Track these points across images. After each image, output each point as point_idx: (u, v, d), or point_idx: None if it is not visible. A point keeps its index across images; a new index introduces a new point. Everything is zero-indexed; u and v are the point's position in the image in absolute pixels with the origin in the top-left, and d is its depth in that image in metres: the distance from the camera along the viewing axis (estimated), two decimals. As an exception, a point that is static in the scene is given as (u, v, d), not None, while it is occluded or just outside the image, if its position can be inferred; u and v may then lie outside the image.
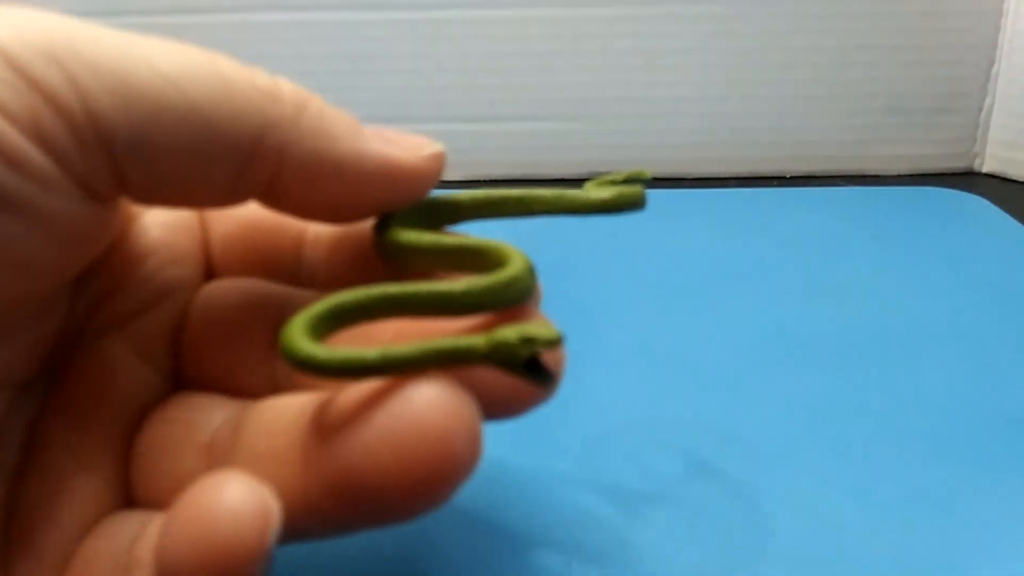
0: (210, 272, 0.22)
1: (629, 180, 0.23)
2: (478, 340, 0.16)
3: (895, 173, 0.44)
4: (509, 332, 0.16)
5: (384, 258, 0.20)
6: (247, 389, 0.20)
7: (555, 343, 0.16)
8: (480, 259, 0.19)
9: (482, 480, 0.17)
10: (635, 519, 0.24)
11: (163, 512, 0.17)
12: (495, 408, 0.17)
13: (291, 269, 0.22)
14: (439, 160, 0.20)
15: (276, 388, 0.20)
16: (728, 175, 0.43)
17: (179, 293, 0.21)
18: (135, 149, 0.16)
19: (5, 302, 0.17)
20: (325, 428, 0.16)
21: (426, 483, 0.15)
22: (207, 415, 0.19)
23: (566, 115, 0.42)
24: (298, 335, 0.17)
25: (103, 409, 0.19)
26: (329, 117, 0.18)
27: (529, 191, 0.22)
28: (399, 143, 0.19)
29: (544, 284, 0.20)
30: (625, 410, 0.28)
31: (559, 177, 0.42)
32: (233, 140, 0.17)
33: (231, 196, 0.18)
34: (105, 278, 0.20)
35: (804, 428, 0.26)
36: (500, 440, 0.18)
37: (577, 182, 0.44)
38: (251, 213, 0.22)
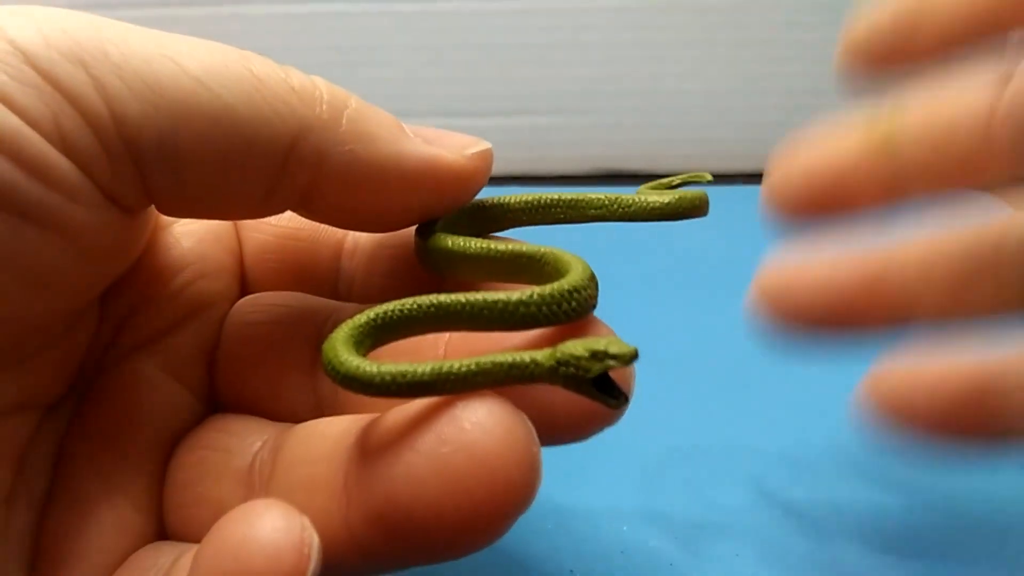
0: (244, 285, 0.21)
1: (687, 183, 0.22)
2: (542, 355, 0.15)
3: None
4: (578, 347, 0.14)
5: (428, 267, 0.19)
6: (287, 411, 0.19)
7: (630, 359, 0.14)
8: (537, 267, 0.17)
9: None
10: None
11: (196, 545, 0.16)
12: (557, 432, 0.16)
13: (329, 281, 0.21)
14: (486, 159, 0.19)
15: (319, 409, 0.19)
16: (735, 172, 0.43)
17: (213, 308, 0.20)
18: (163, 155, 0.15)
19: (30, 320, 0.16)
20: (368, 453, 0.15)
21: (478, 515, 0.14)
22: (245, 440, 0.18)
23: (568, 109, 0.41)
24: (342, 349, 0.15)
25: (135, 432, 0.18)
26: (368, 117, 0.17)
27: (582, 194, 0.21)
28: (443, 142, 0.18)
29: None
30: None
31: (560, 173, 0.42)
32: (268, 145, 0.16)
33: (265, 206, 0.17)
34: (134, 292, 0.19)
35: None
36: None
37: (579, 178, 0.44)
38: (287, 222, 0.21)
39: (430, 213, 0.19)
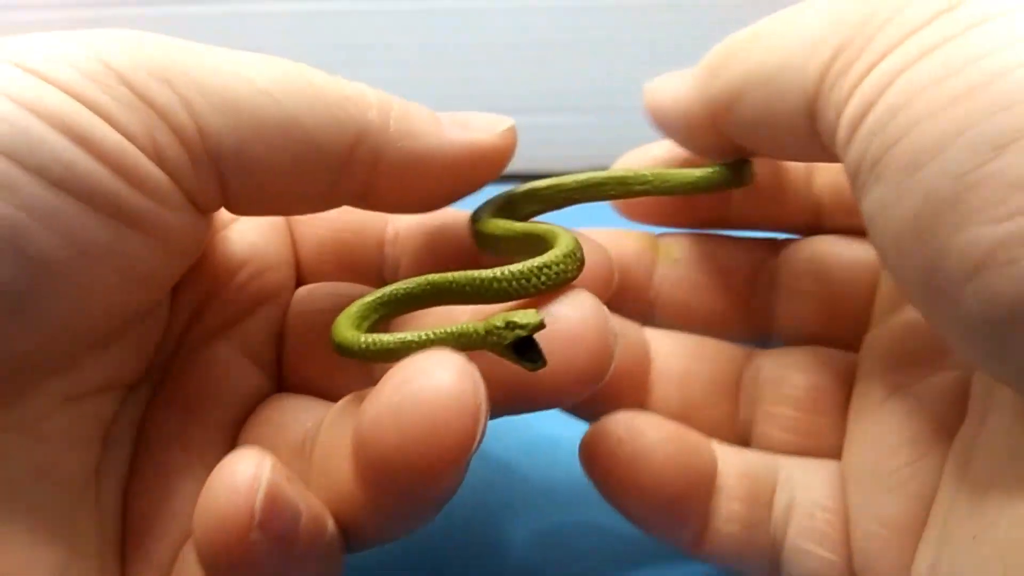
0: (300, 275, 0.23)
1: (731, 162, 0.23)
2: (478, 325, 0.17)
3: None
4: (498, 318, 0.17)
5: (481, 248, 0.22)
6: (344, 390, 0.20)
7: (534, 329, 0.16)
8: (546, 243, 0.19)
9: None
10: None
11: None
12: (539, 395, 0.18)
13: (375, 267, 0.23)
14: (513, 133, 0.21)
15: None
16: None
17: (278, 297, 0.22)
18: (241, 162, 0.17)
19: (119, 309, 0.18)
20: (358, 418, 0.17)
21: (431, 458, 0.15)
22: (299, 417, 0.20)
23: (569, 108, 0.41)
24: (343, 325, 0.18)
25: (215, 407, 0.20)
26: (411, 115, 0.19)
27: (631, 171, 0.22)
28: (474, 125, 0.20)
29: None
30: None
31: (560, 172, 0.41)
32: (331, 148, 0.18)
33: (325, 202, 0.19)
34: (206, 284, 0.21)
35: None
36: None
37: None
38: (337, 215, 0.23)
39: (469, 190, 0.21)
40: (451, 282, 0.19)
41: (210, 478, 0.16)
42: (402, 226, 0.23)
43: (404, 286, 0.19)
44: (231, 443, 0.21)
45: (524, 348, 0.17)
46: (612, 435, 0.20)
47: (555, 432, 0.27)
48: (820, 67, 0.17)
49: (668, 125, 0.22)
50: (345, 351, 0.18)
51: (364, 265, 0.23)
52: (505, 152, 0.20)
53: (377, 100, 0.19)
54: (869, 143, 0.16)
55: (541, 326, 0.16)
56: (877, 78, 0.16)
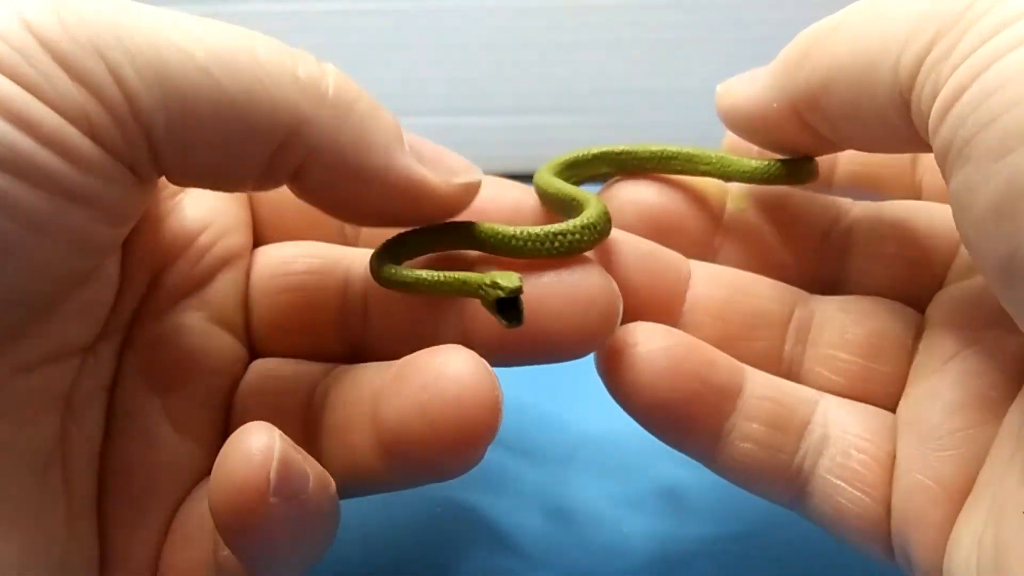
0: (259, 237, 0.23)
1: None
2: (476, 278, 0.19)
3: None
4: (487, 277, 0.18)
5: (540, 201, 0.23)
6: (321, 352, 0.22)
7: (511, 292, 0.18)
8: (580, 208, 0.21)
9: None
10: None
11: None
12: (552, 347, 0.20)
13: (335, 225, 0.23)
14: (471, 191, 0.20)
15: (351, 347, 0.22)
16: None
17: (239, 260, 0.22)
18: (172, 139, 0.17)
19: (67, 276, 0.18)
20: (380, 400, 0.18)
21: (452, 445, 0.17)
22: (300, 382, 0.21)
23: (569, 108, 0.41)
24: (375, 258, 0.20)
25: (197, 373, 0.21)
26: (372, 124, 0.18)
27: (699, 151, 0.23)
28: (437, 164, 0.20)
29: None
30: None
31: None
32: (265, 134, 0.17)
33: (262, 182, 0.19)
34: (162, 249, 0.21)
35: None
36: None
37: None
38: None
39: (405, 224, 0.21)
40: (473, 229, 0.20)
41: (224, 450, 0.16)
42: None
43: (432, 229, 0.21)
44: (219, 406, 0.21)
45: (505, 307, 0.18)
46: (623, 339, 0.20)
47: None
48: (917, 55, 0.17)
49: (746, 125, 0.22)
50: (376, 278, 0.20)
51: (325, 226, 0.23)
52: (455, 205, 0.20)
53: (337, 93, 0.18)
54: (959, 125, 0.16)
55: (519, 291, 0.18)
56: (973, 63, 0.16)
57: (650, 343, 0.20)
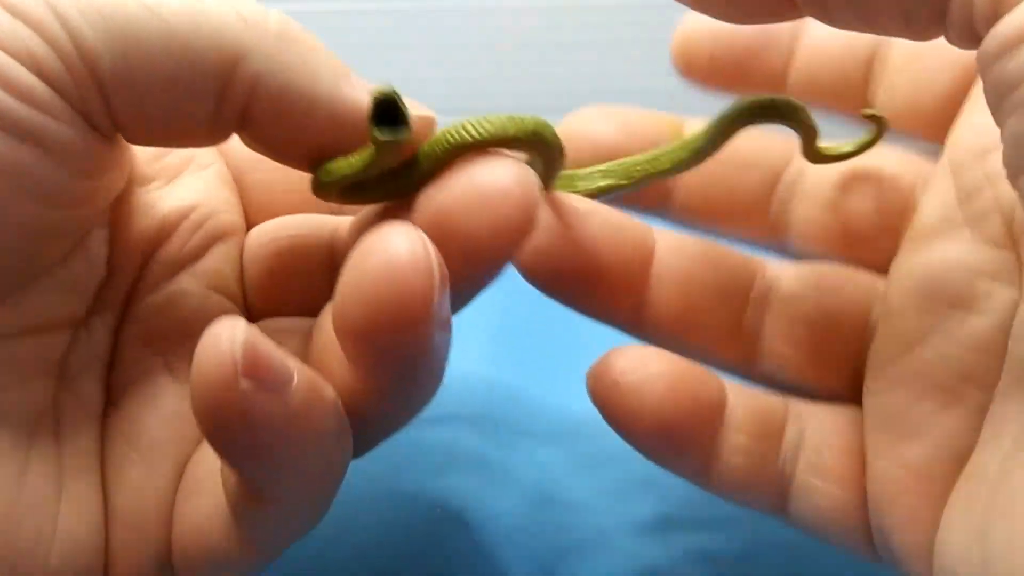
0: (249, 219, 0.23)
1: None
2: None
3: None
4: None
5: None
6: (317, 307, 0.21)
7: (388, 94, 0.17)
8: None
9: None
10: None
11: None
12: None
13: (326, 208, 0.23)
14: (426, 124, 0.19)
15: None
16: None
17: (232, 236, 0.22)
18: (120, 77, 0.17)
19: (33, 232, 0.18)
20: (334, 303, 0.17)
21: (391, 309, 0.16)
22: (287, 336, 0.21)
23: (568, 108, 0.41)
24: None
25: (196, 331, 0.20)
26: (317, 56, 0.19)
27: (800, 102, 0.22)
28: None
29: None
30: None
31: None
32: (210, 66, 0.17)
33: (215, 127, 0.18)
34: (154, 226, 0.21)
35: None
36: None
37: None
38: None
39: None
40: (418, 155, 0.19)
41: (196, 347, 0.16)
42: None
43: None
44: None
45: (384, 115, 0.17)
46: (616, 366, 0.20)
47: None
48: None
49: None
50: (314, 190, 0.19)
51: (313, 208, 0.23)
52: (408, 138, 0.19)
53: (280, 27, 0.18)
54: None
55: (389, 93, 0.17)
56: None
57: (646, 369, 0.20)
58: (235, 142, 0.21)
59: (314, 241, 0.22)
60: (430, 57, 0.40)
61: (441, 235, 0.17)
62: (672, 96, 0.41)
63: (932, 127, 0.22)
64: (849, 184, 0.23)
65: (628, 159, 0.22)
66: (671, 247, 0.22)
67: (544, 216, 0.21)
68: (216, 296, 0.22)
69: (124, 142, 0.20)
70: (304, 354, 0.20)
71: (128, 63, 0.17)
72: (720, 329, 0.22)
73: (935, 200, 0.21)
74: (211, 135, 0.19)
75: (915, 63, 0.23)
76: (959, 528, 0.18)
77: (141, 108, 0.18)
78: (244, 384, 0.15)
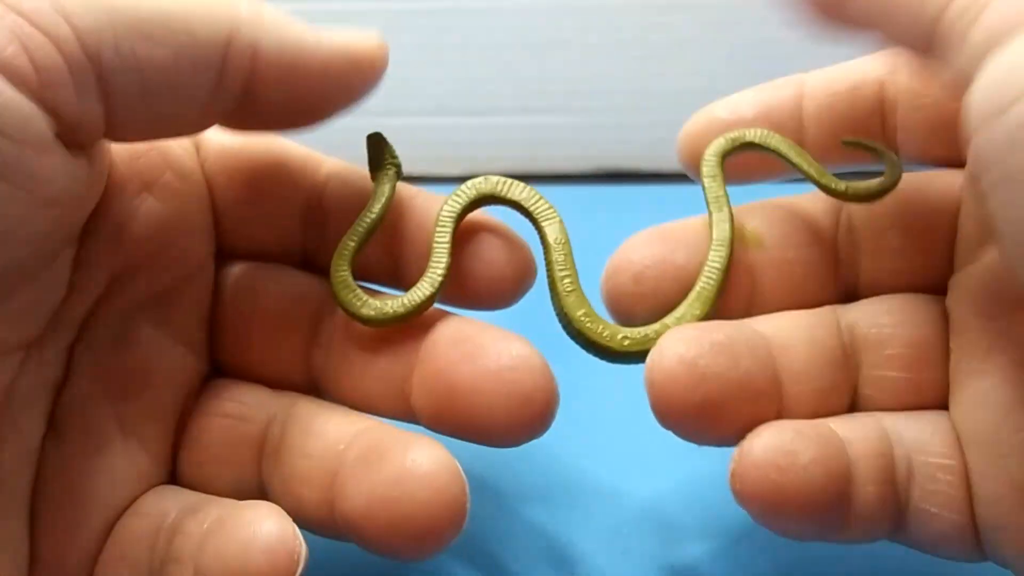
0: (221, 239, 0.23)
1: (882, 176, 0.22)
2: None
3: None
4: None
5: None
6: (285, 379, 0.22)
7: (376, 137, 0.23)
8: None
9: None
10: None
11: (203, 496, 0.20)
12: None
13: (299, 231, 0.23)
14: (385, 48, 0.21)
15: (311, 378, 0.22)
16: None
17: (201, 275, 0.22)
18: (122, 60, 0.17)
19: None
20: (347, 468, 0.20)
21: (409, 537, 0.19)
22: (258, 411, 0.21)
23: (568, 108, 0.41)
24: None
25: (153, 388, 0.21)
26: (284, 17, 0.20)
27: (805, 156, 0.23)
28: (346, 35, 0.21)
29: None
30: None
31: (561, 172, 0.41)
32: (209, 40, 0.18)
33: (213, 106, 0.19)
34: (123, 253, 0.21)
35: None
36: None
37: (579, 177, 0.43)
38: (256, 169, 0.23)
39: (348, 99, 0.21)
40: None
41: (242, 536, 0.18)
42: (331, 190, 0.23)
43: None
44: (172, 421, 0.21)
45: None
46: (769, 464, 0.19)
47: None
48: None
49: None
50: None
51: (287, 226, 0.23)
52: (381, 62, 0.21)
53: (250, 1, 0.19)
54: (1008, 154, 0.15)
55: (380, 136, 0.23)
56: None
57: (799, 459, 0.19)
58: (210, 159, 0.22)
59: (292, 313, 0.22)
60: (430, 57, 0.40)
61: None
62: (672, 96, 0.41)
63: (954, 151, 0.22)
64: (893, 216, 0.22)
65: (699, 285, 0.22)
66: (782, 338, 0.22)
67: None
68: (178, 349, 0.21)
69: (100, 155, 0.19)
70: (263, 438, 0.21)
71: (130, 45, 0.17)
72: (834, 392, 0.22)
73: (968, 208, 0.21)
74: (210, 114, 0.19)
75: (921, 98, 0.22)
76: None
77: (143, 91, 0.18)
78: None
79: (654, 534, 0.25)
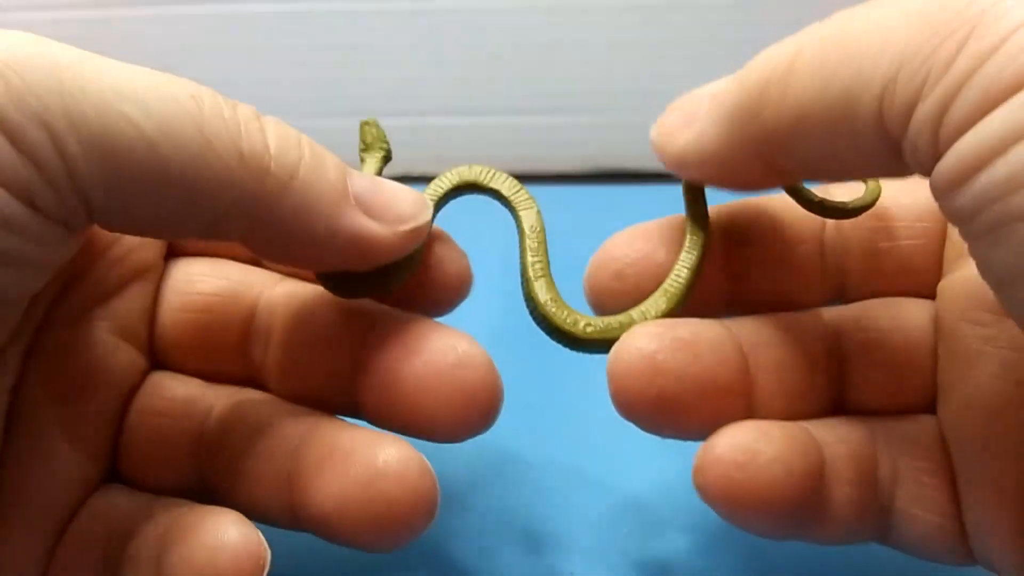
0: (175, 246, 0.23)
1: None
2: None
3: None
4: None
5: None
6: (223, 374, 0.22)
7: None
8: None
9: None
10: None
11: (152, 496, 0.21)
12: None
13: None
14: (418, 234, 0.20)
15: (249, 372, 0.23)
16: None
17: (150, 272, 0.22)
18: (111, 205, 0.17)
19: None
20: (303, 472, 0.20)
21: (387, 527, 0.19)
22: (194, 407, 0.22)
23: (568, 108, 0.41)
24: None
25: (93, 386, 0.21)
26: (315, 189, 0.18)
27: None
28: (385, 212, 0.20)
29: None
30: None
31: (560, 173, 0.41)
32: (207, 205, 0.17)
33: (203, 239, 0.20)
34: (79, 259, 0.21)
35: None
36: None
37: (579, 177, 0.43)
38: None
39: (357, 268, 0.21)
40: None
41: (207, 542, 0.18)
42: None
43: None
44: (114, 421, 0.21)
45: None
46: (728, 460, 0.19)
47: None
48: (905, 104, 0.15)
49: (700, 172, 0.21)
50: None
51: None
52: (397, 250, 0.20)
53: (278, 165, 0.18)
54: (986, 206, 0.14)
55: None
56: (997, 124, 0.14)
57: (760, 457, 0.19)
58: None
59: (234, 305, 0.22)
60: (430, 57, 0.40)
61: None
62: (670, 96, 0.41)
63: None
64: (883, 224, 0.22)
65: (667, 282, 0.22)
66: (755, 338, 0.21)
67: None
68: (123, 346, 0.21)
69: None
70: (199, 432, 0.21)
71: (122, 196, 0.17)
72: (816, 394, 0.22)
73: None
74: (200, 241, 0.20)
75: None
76: None
77: (130, 224, 0.18)
78: None
79: (635, 527, 0.25)
